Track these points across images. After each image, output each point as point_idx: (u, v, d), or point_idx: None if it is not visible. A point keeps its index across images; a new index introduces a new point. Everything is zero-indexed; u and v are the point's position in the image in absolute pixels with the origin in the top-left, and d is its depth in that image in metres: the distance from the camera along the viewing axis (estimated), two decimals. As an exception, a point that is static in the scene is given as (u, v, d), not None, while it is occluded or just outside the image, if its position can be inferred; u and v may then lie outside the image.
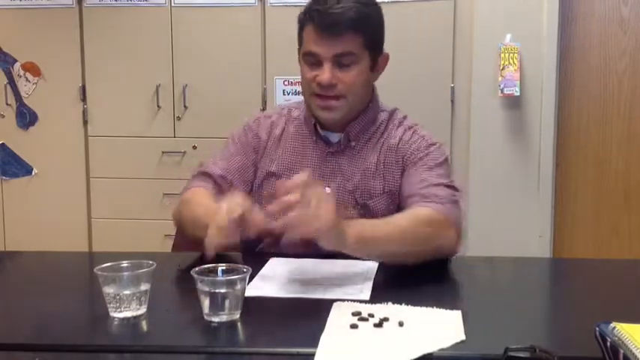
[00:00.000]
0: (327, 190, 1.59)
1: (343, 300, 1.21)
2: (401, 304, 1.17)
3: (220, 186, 1.64)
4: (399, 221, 1.41)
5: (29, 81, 3.38)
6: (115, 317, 1.14)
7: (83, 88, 3.37)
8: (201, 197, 1.58)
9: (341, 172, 1.64)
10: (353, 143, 1.64)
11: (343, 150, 1.65)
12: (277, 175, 1.64)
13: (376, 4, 1.62)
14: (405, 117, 1.71)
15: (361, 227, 1.33)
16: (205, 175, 1.67)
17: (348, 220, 1.32)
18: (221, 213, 1.32)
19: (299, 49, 1.63)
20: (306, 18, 1.57)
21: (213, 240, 1.30)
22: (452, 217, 1.47)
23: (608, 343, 0.90)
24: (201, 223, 1.39)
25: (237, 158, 1.69)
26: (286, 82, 3.23)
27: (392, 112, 1.70)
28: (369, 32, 1.58)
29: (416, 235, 1.38)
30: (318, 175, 1.63)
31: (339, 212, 1.27)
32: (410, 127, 1.67)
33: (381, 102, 1.71)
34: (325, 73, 1.54)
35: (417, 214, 1.44)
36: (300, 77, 1.64)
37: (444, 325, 1.09)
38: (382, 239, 1.35)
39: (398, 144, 1.64)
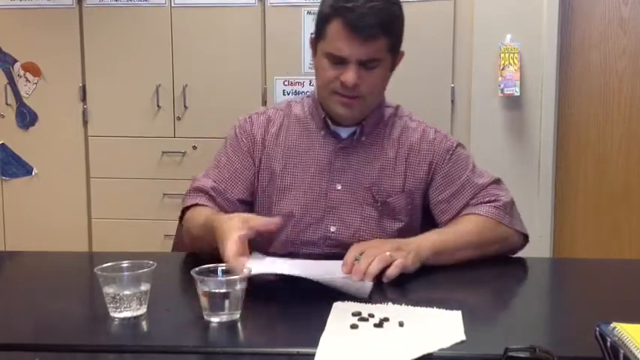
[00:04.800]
0: (339, 187, 1.60)
1: (344, 301, 1.21)
2: (401, 304, 1.18)
3: (214, 198, 1.60)
4: (467, 229, 1.54)
5: (29, 81, 3.38)
6: (115, 317, 1.14)
7: (83, 88, 3.37)
8: (200, 216, 1.55)
9: (352, 168, 1.61)
10: (364, 138, 1.62)
11: (355, 145, 1.62)
12: (282, 175, 1.61)
13: (400, 2, 1.55)
14: (411, 112, 1.71)
15: (434, 244, 1.46)
16: (198, 190, 1.62)
17: (420, 239, 1.46)
18: (231, 237, 1.29)
19: (316, 40, 1.56)
20: (334, 12, 1.48)
21: (236, 260, 1.25)
22: (506, 219, 1.59)
23: (608, 343, 0.90)
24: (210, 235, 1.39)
25: (229, 163, 1.64)
26: (286, 82, 3.23)
27: (396, 108, 1.70)
28: (395, 35, 1.53)
29: (481, 241, 1.53)
30: (327, 170, 1.61)
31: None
32: (429, 126, 1.68)
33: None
34: (351, 76, 1.49)
35: (477, 221, 1.56)
36: (314, 69, 1.59)
37: (444, 325, 1.09)
38: (452, 250, 1.48)
39: (420, 143, 1.64)
